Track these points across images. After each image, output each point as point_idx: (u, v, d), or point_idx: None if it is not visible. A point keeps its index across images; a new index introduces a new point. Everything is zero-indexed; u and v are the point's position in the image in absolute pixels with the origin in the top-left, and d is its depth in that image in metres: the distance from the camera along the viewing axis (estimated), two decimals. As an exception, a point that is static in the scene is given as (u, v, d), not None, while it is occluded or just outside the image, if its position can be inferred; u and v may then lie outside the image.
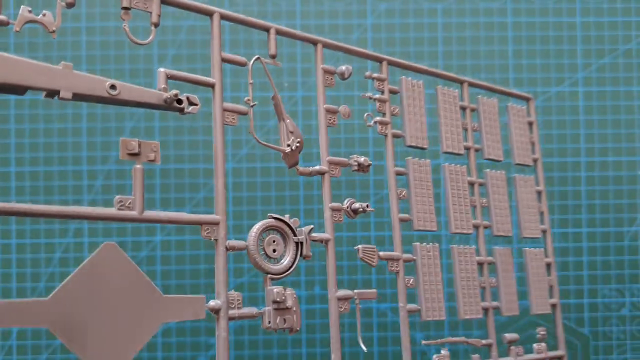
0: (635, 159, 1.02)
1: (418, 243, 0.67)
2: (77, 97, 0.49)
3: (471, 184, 0.74)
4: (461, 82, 0.77)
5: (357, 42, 0.99)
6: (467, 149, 0.75)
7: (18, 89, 0.46)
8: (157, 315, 0.50)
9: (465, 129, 0.75)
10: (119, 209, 0.49)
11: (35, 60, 0.46)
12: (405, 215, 0.67)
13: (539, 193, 0.83)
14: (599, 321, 1.01)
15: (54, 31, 0.49)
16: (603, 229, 1.02)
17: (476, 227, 0.73)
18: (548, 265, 0.81)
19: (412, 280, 0.66)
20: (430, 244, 0.68)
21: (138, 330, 0.49)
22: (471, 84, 0.77)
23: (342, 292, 0.60)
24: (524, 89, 1.00)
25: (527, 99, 0.85)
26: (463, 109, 0.76)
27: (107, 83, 0.50)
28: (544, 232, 0.82)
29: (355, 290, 0.61)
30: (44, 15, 0.48)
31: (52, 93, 0.48)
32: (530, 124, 0.84)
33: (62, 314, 0.45)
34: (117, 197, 0.50)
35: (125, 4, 0.52)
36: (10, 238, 0.95)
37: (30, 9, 0.48)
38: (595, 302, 1.01)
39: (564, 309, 0.89)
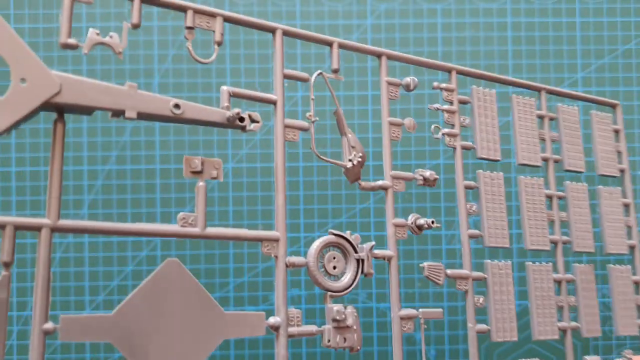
0: (635, 159, 0.99)
1: (489, 260, 0.64)
2: (142, 116, 0.50)
3: (549, 198, 0.70)
4: (539, 90, 0.73)
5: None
6: (545, 160, 0.71)
7: (86, 110, 0.48)
8: (218, 331, 0.50)
9: (543, 139, 0.71)
10: (182, 226, 0.50)
11: (100, 81, 0.48)
12: (476, 231, 0.64)
13: (626, 206, 0.77)
14: (599, 321, 0.95)
15: (120, 52, 0.50)
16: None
17: (554, 242, 0.69)
18: (636, 283, 0.75)
19: (481, 299, 0.63)
20: (502, 261, 0.65)
21: (199, 346, 0.49)
22: (550, 92, 0.73)
23: (406, 312, 0.58)
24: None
25: (613, 106, 0.79)
26: (540, 118, 0.72)
27: (171, 102, 0.51)
28: (631, 247, 0.76)
29: (420, 310, 0.59)
30: (110, 37, 0.50)
31: (118, 113, 0.49)
32: (617, 131, 0.78)
33: (126, 329, 0.46)
34: (181, 214, 0.50)
35: (189, 24, 0.53)
36: (11, 238, 0.97)
37: (98, 31, 0.50)
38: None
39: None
